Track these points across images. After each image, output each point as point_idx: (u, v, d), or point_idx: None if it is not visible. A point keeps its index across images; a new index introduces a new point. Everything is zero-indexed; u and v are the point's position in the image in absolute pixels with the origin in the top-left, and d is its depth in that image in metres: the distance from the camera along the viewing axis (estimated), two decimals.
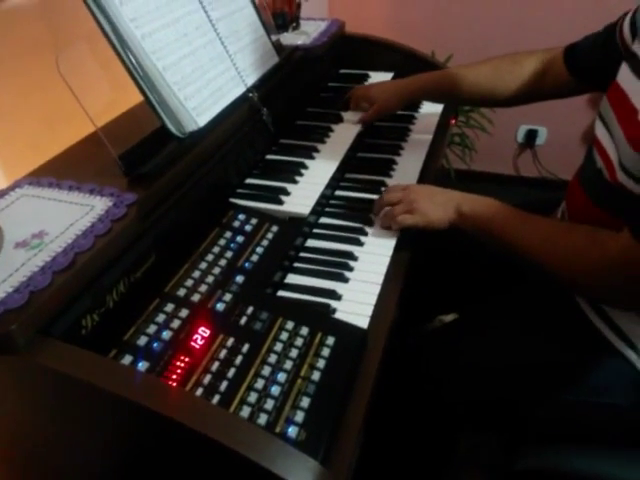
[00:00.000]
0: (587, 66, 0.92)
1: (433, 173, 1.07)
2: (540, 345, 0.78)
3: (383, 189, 0.97)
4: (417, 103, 1.25)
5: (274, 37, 1.06)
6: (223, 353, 0.60)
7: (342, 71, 1.37)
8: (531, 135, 2.15)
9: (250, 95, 0.90)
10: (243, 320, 0.65)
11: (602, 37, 0.88)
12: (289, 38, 1.19)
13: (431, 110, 1.24)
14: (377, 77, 1.32)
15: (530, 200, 1.09)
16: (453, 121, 1.31)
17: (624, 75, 0.73)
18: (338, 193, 0.98)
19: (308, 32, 1.23)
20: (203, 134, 0.78)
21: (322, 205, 0.93)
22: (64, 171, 0.71)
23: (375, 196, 0.94)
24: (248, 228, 0.78)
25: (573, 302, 0.78)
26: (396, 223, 0.83)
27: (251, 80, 0.93)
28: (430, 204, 0.82)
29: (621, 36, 0.83)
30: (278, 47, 1.05)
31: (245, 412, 0.54)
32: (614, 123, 0.71)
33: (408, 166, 1.05)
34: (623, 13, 0.85)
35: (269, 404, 0.55)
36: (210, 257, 0.72)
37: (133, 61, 0.71)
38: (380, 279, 0.77)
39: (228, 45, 0.90)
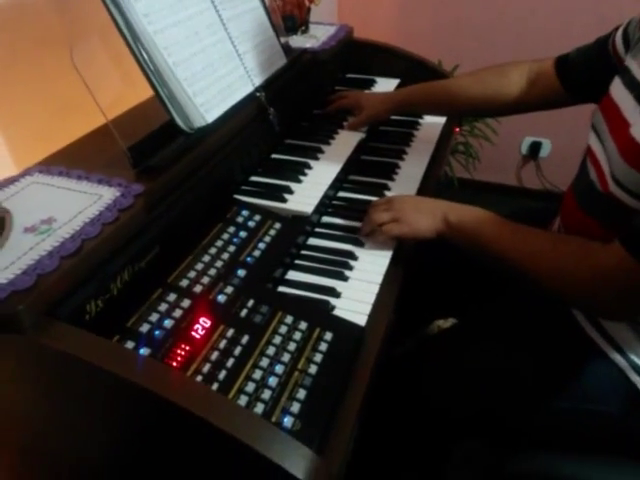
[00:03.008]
0: (580, 79, 0.92)
1: (435, 179, 1.09)
2: (533, 352, 0.78)
3: (385, 192, 0.99)
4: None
5: (283, 39, 1.07)
6: (223, 343, 0.61)
7: (349, 75, 1.38)
8: (535, 147, 2.17)
9: (258, 94, 0.92)
10: (243, 312, 0.66)
11: (594, 50, 0.89)
12: (298, 41, 1.21)
13: (435, 118, 1.26)
14: (383, 83, 1.33)
15: (528, 209, 1.10)
16: (457, 129, 1.32)
17: (616, 88, 0.74)
18: (341, 194, 0.99)
19: (317, 36, 1.25)
20: (210, 130, 0.80)
21: (325, 205, 0.94)
22: (74, 161, 0.72)
23: (377, 198, 0.96)
24: (251, 224, 0.80)
25: (565, 309, 0.79)
26: (382, 233, 0.82)
27: (259, 80, 0.94)
28: (416, 213, 0.81)
29: (614, 49, 0.84)
30: (287, 49, 1.07)
31: (242, 401, 0.55)
32: (607, 135, 0.72)
33: (411, 171, 1.07)
34: (615, 27, 0.86)
35: (266, 394, 0.57)
36: (213, 250, 0.73)
37: (145, 56, 0.73)
38: (379, 279, 0.78)
39: (238, 45, 0.91)
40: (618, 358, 0.73)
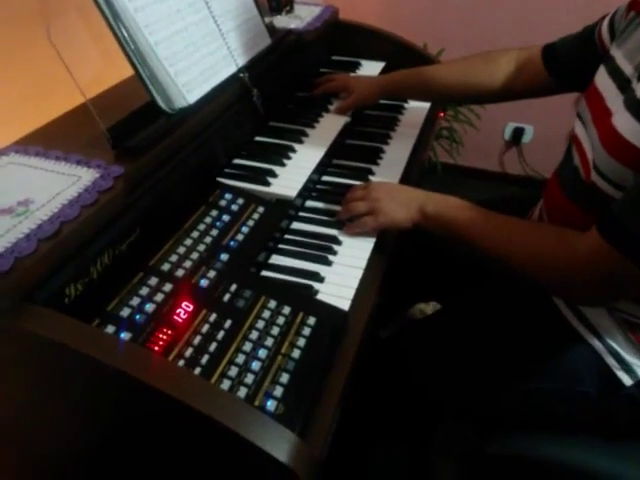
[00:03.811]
0: (566, 67, 0.93)
1: (419, 164, 1.09)
2: (514, 335, 0.79)
3: (370, 176, 0.98)
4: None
5: (267, 19, 1.05)
6: (205, 328, 0.61)
7: (334, 57, 1.37)
8: (518, 133, 2.18)
9: (241, 75, 0.90)
10: (226, 297, 0.65)
11: (581, 39, 0.89)
12: (282, 21, 1.19)
13: (420, 102, 1.25)
14: (368, 65, 1.32)
15: (510, 195, 1.11)
16: (441, 114, 1.32)
17: (601, 77, 0.75)
18: (325, 178, 0.99)
19: (302, 16, 1.23)
20: (192, 111, 0.78)
21: (309, 189, 0.94)
22: (51, 141, 0.71)
23: (362, 183, 0.95)
24: (234, 208, 0.79)
25: (546, 294, 0.80)
26: (359, 227, 0.82)
27: (242, 60, 0.93)
28: (392, 203, 0.81)
29: (600, 38, 0.84)
30: (271, 29, 1.05)
31: (225, 385, 0.55)
32: (590, 124, 0.73)
33: (395, 155, 1.06)
34: (601, 16, 0.86)
35: (249, 378, 0.57)
36: (195, 234, 0.72)
37: (125, 34, 0.71)
38: (363, 264, 0.78)
39: (221, 24, 0.89)
40: (595, 342, 0.74)
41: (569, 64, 0.92)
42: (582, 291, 0.68)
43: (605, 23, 0.83)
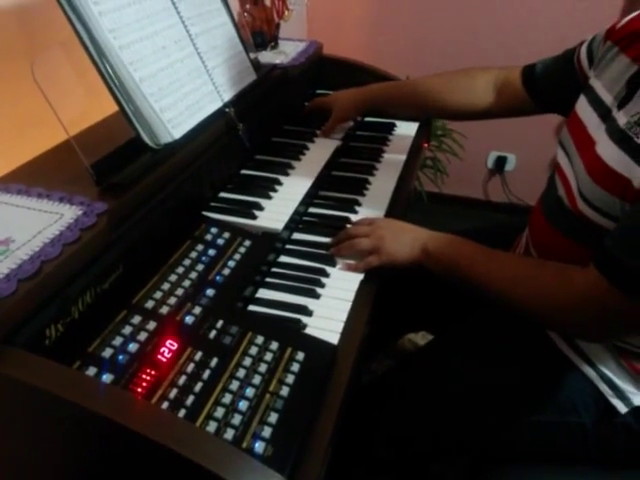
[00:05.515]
0: (546, 88, 0.94)
1: (406, 194, 1.09)
2: (505, 367, 0.78)
3: (356, 207, 0.98)
4: (391, 126, 1.28)
5: (252, 55, 1.07)
6: (191, 367, 0.59)
7: (319, 91, 1.39)
8: (500, 161, 2.22)
9: (227, 110, 0.91)
10: (212, 334, 0.64)
11: (561, 62, 0.91)
12: (267, 57, 1.21)
13: (405, 133, 1.27)
14: None
15: (497, 224, 1.11)
16: (426, 144, 1.34)
17: (582, 106, 0.76)
18: (312, 210, 0.98)
19: (286, 52, 1.25)
20: (178, 146, 0.78)
21: (295, 222, 0.93)
22: (34, 178, 0.70)
23: (348, 214, 0.95)
24: (220, 242, 0.78)
25: (536, 324, 0.79)
26: (364, 266, 0.81)
27: (228, 96, 0.93)
28: (395, 243, 0.81)
29: (579, 62, 0.86)
30: (256, 65, 1.06)
31: (212, 427, 0.53)
32: (574, 152, 0.74)
33: (381, 186, 1.07)
34: (580, 41, 0.89)
35: (236, 419, 0.55)
36: (180, 270, 0.71)
37: (110, 71, 0.71)
38: (351, 296, 0.77)
39: (206, 60, 0.90)
40: (588, 370, 0.74)
41: (548, 86, 0.93)
42: (585, 328, 0.68)
43: (583, 49, 0.85)
